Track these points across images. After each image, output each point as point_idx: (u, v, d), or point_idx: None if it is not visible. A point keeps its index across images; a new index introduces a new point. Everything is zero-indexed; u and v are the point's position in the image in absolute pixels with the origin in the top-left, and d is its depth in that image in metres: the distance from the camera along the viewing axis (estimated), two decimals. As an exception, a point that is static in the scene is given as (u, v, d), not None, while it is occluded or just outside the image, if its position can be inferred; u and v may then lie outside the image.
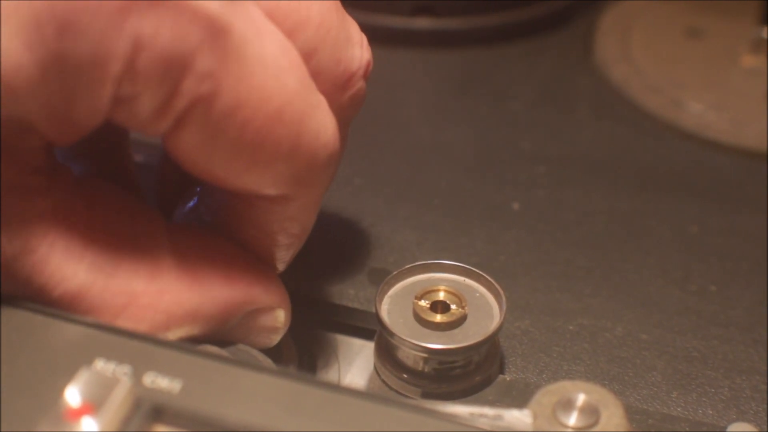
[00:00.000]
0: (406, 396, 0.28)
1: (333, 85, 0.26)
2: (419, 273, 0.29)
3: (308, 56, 0.25)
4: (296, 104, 0.23)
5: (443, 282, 0.29)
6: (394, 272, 0.29)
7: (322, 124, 0.24)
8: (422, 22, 0.46)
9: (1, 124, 0.21)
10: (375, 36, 0.45)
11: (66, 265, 0.23)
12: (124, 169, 0.29)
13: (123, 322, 0.24)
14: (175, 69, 0.21)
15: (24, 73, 0.21)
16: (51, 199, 0.23)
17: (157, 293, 0.24)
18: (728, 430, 0.27)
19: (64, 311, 0.23)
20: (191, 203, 0.28)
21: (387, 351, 0.28)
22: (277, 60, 0.23)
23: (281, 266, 0.27)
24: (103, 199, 0.24)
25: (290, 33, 0.24)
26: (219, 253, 0.25)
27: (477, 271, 0.29)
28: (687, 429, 0.28)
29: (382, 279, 0.29)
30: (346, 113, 0.27)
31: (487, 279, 0.29)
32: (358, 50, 0.26)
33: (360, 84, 0.26)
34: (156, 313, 0.24)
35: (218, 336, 0.26)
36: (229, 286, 0.25)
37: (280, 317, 0.27)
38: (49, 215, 0.23)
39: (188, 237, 0.25)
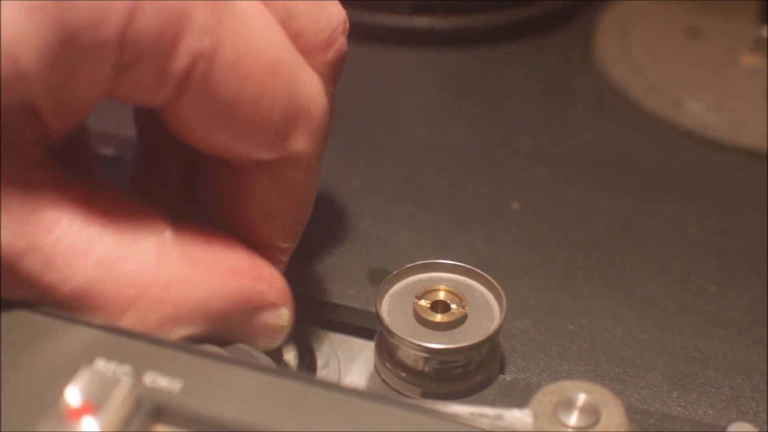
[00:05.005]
0: (407, 396, 0.28)
1: (315, 45, 0.26)
2: (419, 272, 0.29)
3: (287, 19, 0.25)
4: (286, 58, 0.24)
5: (443, 281, 0.29)
6: (395, 272, 0.29)
7: (310, 78, 0.25)
8: (422, 21, 0.46)
9: (1, 112, 0.21)
10: (374, 35, 0.46)
11: (74, 260, 0.23)
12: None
13: (132, 316, 0.24)
14: (174, 25, 0.21)
15: (26, 44, 0.20)
16: (53, 194, 0.23)
17: (165, 285, 0.24)
18: (728, 429, 0.27)
19: (73, 309, 0.23)
20: None
21: (387, 351, 0.28)
22: (262, 15, 0.23)
23: (289, 243, 0.27)
24: (102, 195, 0.24)
25: None
26: (224, 248, 0.25)
27: (477, 270, 0.29)
28: (687, 429, 0.28)
29: (381, 279, 0.29)
30: (331, 72, 0.27)
31: (487, 279, 0.29)
32: (334, 7, 0.26)
33: (341, 40, 0.27)
34: (164, 306, 0.24)
35: (223, 336, 0.26)
36: (236, 280, 0.25)
37: (284, 315, 0.26)
38: (52, 210, 0.23)
39: (192, 232, 0.25)
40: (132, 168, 0.29)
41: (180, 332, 0.24)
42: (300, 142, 0.25)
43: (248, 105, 0.23)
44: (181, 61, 0.22)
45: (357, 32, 0.45)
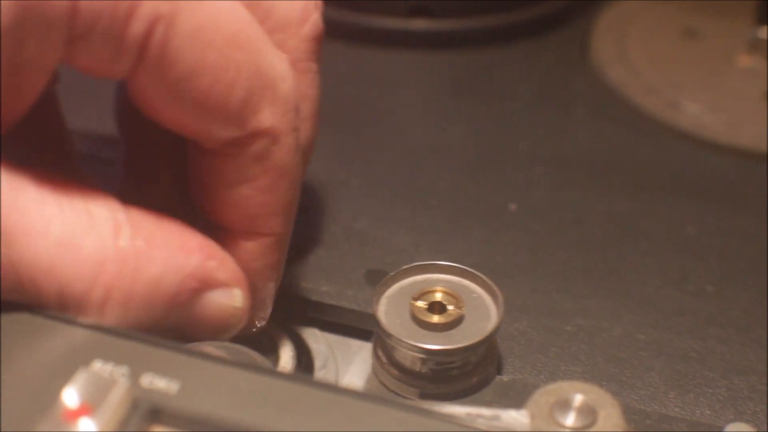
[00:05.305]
0: (404, 397, 0.28)
1: (288, 20, 0.26)
2: (416, 274, 0.29)
3: None
4: (250, 31, 0.24)
5: (440, 283, 0.29)
6: (391, 273, 0.29)
7: (276, 55, 0.25)
8: (419, 24, 0.46)
9: None
10: (372, 37, 0.46)
11: (35, 239, 0.23)
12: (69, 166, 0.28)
13: (97, 293, 0.23)
14: None
15: None
16: (7, 177, 0.23)
17: (123, 259, 0.24)
18: (725, 430, 0.27)
19: (40, 292, 0.23)
20: None
21: (385, 352, 0.28)
22: None
23: (274, 229, 0.27)
24: (54, 178, 0.24)
25: None
26: (174, 227, 0.25)
27: (474, 271, 0.29)
28: (684, 429, 0.28)
29: (379, 280, 0.29)
30: (310, 48, 0.27)
31: (484, 280, 0.29)
32: None
33: (315, 15, 0.27)
34: (124, 280, 0.24)
35: (180, 324, 0.25)
36: (186, 255, 0.25)
37: (237, 296, 0.26)
38: (7, 193, 0.23)
39: (142, 213, 0.25)
40: (121, 171, 0.29)
41: (140, 316, 0.24)
42: (266, 118, 0.25)
43: (210, 76, 0.23)
44: (138, 26, 0.22)
45: (354, 34, 0.45)
